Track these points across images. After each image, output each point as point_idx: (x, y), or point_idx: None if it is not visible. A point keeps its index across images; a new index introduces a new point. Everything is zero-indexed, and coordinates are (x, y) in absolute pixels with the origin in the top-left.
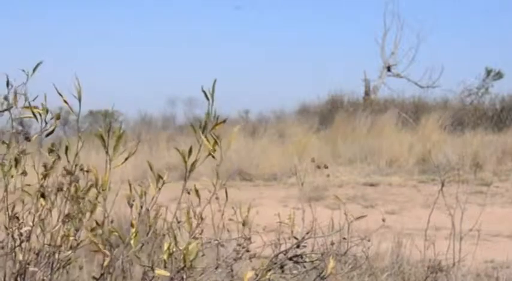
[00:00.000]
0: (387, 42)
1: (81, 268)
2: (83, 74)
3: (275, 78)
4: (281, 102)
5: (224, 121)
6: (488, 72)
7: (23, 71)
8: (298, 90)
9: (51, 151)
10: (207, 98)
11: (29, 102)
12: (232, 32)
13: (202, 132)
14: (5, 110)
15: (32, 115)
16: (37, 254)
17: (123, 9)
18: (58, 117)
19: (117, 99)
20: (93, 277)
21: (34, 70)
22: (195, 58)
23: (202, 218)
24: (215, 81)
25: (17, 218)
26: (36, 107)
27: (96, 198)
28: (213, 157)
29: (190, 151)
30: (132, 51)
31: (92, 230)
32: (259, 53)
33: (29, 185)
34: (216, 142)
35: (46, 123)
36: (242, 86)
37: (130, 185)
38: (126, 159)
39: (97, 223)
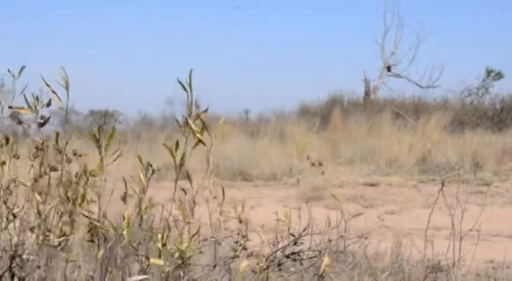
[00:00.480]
0: (387, 42)
1: (79, 267)
2: (83, 74)
3: (275, 78)
4: (281, 102)
5: (206, 111)
6: (489, 72)
7: (9, 71)
8: (298, 90)
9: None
10: (185, 89)
11: (36, 97)
12: (232, 32)
13: (187, 124)
14: None
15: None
16: (32, 230)
17: (123, 9)
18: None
19: (117, 99)
20: (91, 277)
21: (20, 72)
22: (195, 58)
23: (195, 202)
24: (191, 70)
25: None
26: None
27: (87, 181)
28: (203, 143)
29: (177, 144)
30: (132, 51)
31: (89, 230)
32: (259, 53)
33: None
34: (203, 129)
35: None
36: (242, 86)
37: (125, 182)
38: (118, 156)
39: (88, 217)
